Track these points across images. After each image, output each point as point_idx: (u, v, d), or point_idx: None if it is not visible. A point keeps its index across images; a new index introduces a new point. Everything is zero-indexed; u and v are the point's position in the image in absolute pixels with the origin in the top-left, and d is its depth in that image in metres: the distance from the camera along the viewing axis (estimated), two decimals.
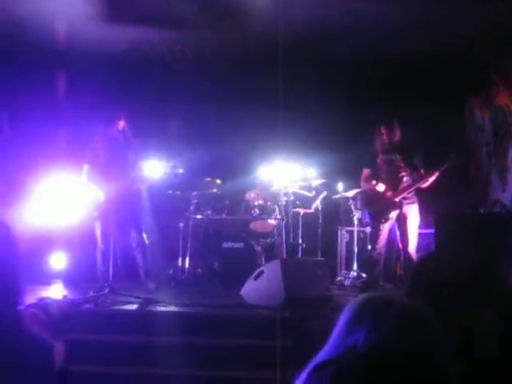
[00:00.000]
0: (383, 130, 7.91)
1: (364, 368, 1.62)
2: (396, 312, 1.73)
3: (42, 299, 6.57)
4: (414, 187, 7.75)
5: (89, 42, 8.97)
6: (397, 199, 7.74)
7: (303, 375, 1.73)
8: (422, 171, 7.77)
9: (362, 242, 9.21)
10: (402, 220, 7.77)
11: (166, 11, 8.08)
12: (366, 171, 8.12)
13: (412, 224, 7.75)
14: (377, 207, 7.93)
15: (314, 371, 1.71)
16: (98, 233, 7.53)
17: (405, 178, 7.84)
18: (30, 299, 6.55)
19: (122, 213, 7.42)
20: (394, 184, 7.83)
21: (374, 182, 7.87)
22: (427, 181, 7.65)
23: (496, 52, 9.14)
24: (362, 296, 1.84)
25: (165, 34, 8.84)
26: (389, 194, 7.78)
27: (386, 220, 7.76)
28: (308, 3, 7.85)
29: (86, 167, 7.60)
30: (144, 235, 7.59)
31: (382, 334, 1.66)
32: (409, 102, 9.75)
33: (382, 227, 7.83)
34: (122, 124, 7.57)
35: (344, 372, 1.65)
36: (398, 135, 7.89)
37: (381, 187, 7.81)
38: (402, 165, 7.85)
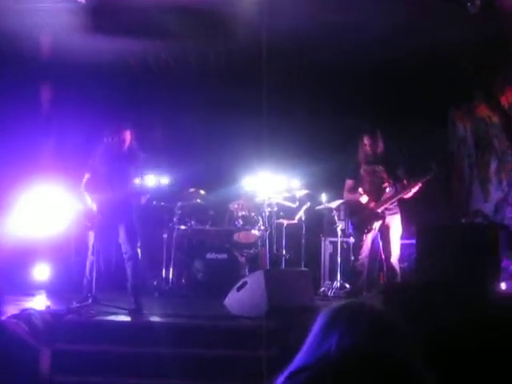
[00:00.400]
0: (366, 141, 7.95)
1: (337, 373, 1.65)
2: (368, 318, 1.76)
3: (24, 310, 6.54)
4: (397, 198, 7.80)
5: (73, 53, 8.98)
6: (379, 210, 7.79)
7: (278, 382, 1.75)
8: (405, 182, 7.83)
9: (345, 253, 9.22)
10: (384, 230, 7.82)
11: (150, 22, 8.09)
12: (348, 182, 8.16)
13: (394, 234, 7.80)
14: (360, 218, 7.97)
15: (288, 378, 1.73)
16: (91, 243, 7.44)
17: (387, 189, 7.88)
18: (12, 310, 6.53)
19: (115, 223, 7.35)
20: (376, 195, 7.88)
21: (360, 190, 7.89)
22: (409, 191, 7.71)
23: (478, 67, 9.24)
24: (335, 303, 1.87)
25: (149, 44, 8.85)
26: (372, 204, 7.83)
27: (369, 230, 7.81)
28: (292, 13, 7.88)
29: (86, 176, 7.49)
30: (138, 250, 7.51)
31: (354, 339, 1.69)
32: (393, 113, 9.84)
33: (364, 238, 7.87)
34: (127, 135, 7.45)
35: (317, 378, 1.67)
36: (381, 146, 7.95)
37: (364, 199, 7.86)
38: (384, 176, 7.90)
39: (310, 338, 1.80)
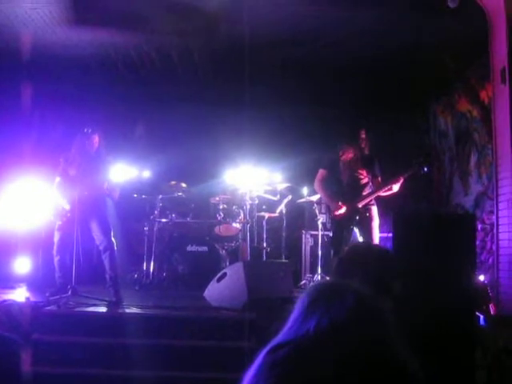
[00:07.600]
0: (363, 135, 7.89)
1: (314, 349, 1.66)
2: (350, 298, 1.77)
3: (3, 301, 6.52)
4: (376, 194, 7.75)
5: (55, 46, 8.93)
6: (360, 205, 7.76)
7: (258, 358, 1.77)
8: (380, 179, 7.85)
9: (326, 246, 9.24)
10: (364, 223, 7.79)
11: (132, 14, 8.07)
12: (322, 172, 8.05)
13: (373, 226, 7.78)
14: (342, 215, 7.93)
15: (268, 352, 1.75)
16: (56, 242, 7.47)
17: (367, 185, 7.89)
18: None
19: (87, 218, 7.40)
20: (356, 190, 7.85)
21: (340, 204, 7.81)
22: (391, 189, 7.62)
23: (458, 61, 9.30)
24: (318, 282, 1.89)
25: (131, 37, 8.82)
26: (352, 200, 7.79)
27: (351, 225, 7.78)
28: (273, 7, 7.88)
29: (57, 179, 7.57)
30: (113, 239, 7.53)
31: (333, 317, 1.71)
32: (374, 106, 9.88)
33: (346, 233, 7.82)
34: (96, 139, 7.60)
35: (295, 353, 1.69)
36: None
37: (342, 210, 7.78)
38: (363, 172, 7.89)
39: (293, 316, 1.82)
